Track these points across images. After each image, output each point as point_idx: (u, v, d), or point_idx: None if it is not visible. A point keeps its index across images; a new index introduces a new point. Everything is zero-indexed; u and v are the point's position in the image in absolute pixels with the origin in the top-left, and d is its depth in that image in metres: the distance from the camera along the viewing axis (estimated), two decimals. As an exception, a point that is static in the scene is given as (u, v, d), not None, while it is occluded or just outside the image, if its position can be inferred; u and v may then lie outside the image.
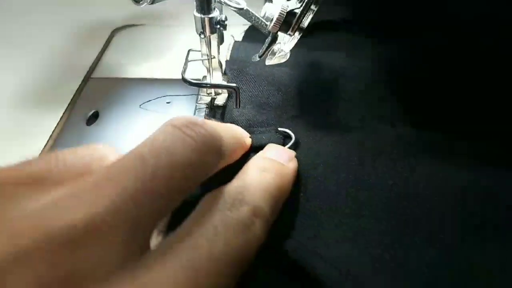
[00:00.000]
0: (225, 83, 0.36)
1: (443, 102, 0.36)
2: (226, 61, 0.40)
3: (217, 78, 0.37)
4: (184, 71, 0.33)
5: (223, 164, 0.23)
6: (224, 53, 0.41)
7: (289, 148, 0.31)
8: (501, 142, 0.31)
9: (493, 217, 0.26)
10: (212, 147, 0.21)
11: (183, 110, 0.39)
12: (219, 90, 0.37)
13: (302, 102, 0.36)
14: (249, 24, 0.46)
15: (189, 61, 0.34)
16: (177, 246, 0.18)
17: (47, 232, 0.15)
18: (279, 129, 0.33)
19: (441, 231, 0.25)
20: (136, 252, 0.17)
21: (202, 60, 0.35)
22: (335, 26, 0.45)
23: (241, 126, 0.31)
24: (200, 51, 0.35)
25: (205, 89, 0.37)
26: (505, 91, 0.36)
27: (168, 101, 0.40)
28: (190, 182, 0.20)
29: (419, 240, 0.25)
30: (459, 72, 0.38)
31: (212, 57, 0.35)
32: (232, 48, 0.43)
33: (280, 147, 0.29)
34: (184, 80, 0.32)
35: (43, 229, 0.15)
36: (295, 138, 0.32)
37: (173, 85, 0.42)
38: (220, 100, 0.36)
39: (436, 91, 0.36)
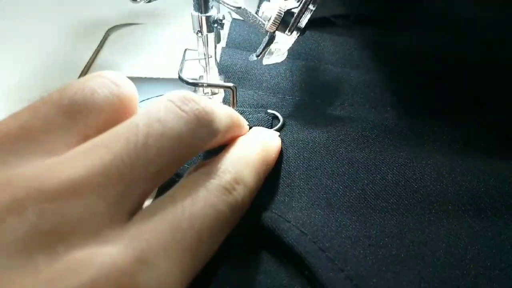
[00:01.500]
0: (222, 82, 0.36)
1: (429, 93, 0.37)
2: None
3: (214, 77, 0.36)
4: (180, 70, 0.33)
5: (216, 142, 0.24)
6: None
7: (276, 130, 0.32)
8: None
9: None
10: (204, 121, 0.21)
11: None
12: (216, 90, 0.37)
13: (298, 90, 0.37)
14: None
15: (185, 61, 0.34)
16: (163, 206, 0.20)
17: (39, 187, 0.17)
18: (268, 111, 0.34)
19: (409, 199, 0.27)
20: (125, 214, 0.18)
21: (199, 60, 0.35)
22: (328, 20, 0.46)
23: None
24: (197, 50, 0.35)
25: (201, 89, 0.37)
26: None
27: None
28: (180, 153, 0.20)
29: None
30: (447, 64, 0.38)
31: (209, 56, 0.35)
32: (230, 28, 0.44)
33: (265, 129, 0.30)
34: (181, 79, 0.32)
35: (36, 185, 0.17)
36: (283, 120, 0.34)
37: (169, 84, 0.42)
38: (217, 100, 0.36)
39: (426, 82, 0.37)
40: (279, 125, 0.33)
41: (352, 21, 0.45)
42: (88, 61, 0.45)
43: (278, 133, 0.30)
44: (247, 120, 0.31)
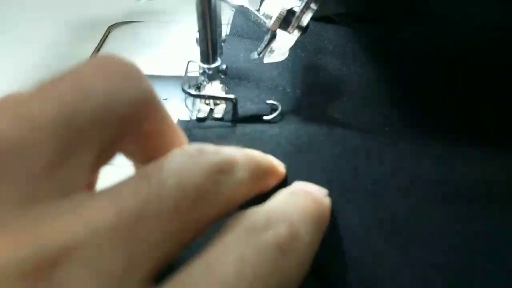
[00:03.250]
0: (223, 93, 0.36)
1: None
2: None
3: (216, 85, 0.37)
4: (184, 83, 0.33)
5: (246, 191, 0.21)
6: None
7: (275, 118, 0.33)
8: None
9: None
10: (225, 168, 0.19)
11: (181, 106, 0.39)
12: (218, 101, 0.37)
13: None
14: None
15: (188, 73, 0.35)
16: (197, 275, 0.15)
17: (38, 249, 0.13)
18: (267, 101, 0.35)
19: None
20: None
21: (201, 73, 0.36)
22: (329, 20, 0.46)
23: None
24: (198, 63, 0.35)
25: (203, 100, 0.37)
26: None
27: (165, 97, 0.40)
28: (203, 207, 0.17)
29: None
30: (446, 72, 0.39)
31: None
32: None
33: (309, 184, 0.25)
34: (184, 91, 0.33)
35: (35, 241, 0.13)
36: (281, 109, 0.34)
37: (170, 81, 0.42)
38: (218, 111, 0.36)
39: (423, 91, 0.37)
40: (276, 113, 0.34)
41: (354, 20, 0.45)
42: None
43: (326, 191, 0.25)
44: (246, 111, 0.32)
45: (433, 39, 0.41)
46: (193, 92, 0.33)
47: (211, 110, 0.36)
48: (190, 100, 0.38)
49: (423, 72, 0.39)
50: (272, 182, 0.24)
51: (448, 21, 0.41)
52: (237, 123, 0.33)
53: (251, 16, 0.32)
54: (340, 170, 0.29)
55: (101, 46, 0.48)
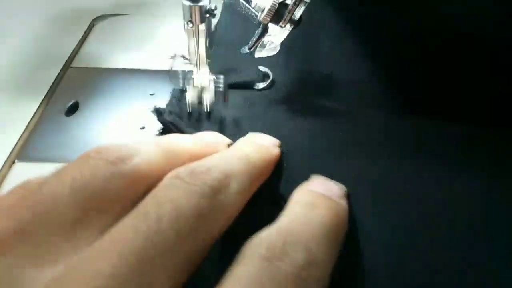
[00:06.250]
0: (213, 76, 0.35)
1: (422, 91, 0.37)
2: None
3: (204, 73, 0.35)
4: (171, 78, 0.34)
5: (243, 198, 0.20)
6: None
7: (266, 86, 0.34)
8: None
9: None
10: (220, 189, 0.19)
11: (167, 101, 0.37)
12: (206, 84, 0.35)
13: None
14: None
15: (173, 69, 0.34)
16: None
17: None
18: (259, 67, 0.36)
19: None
20: None
21: (190, 60, 0.34)
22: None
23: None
24: (183, 56, 0.34)
25: (191, 83, 0.36)
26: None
27: (151, 92, 0.39)
28: (206, 231, 0.17)
29: None
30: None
31: (199, 51, 0.33)
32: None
33: (327, 179, 0.24)
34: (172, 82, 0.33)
35: None
36: (272, 77, 0.35)
37: (156, 76, 0.40)
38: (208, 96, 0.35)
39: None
40: (268, 81, 0.34)
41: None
42: (72, 52, 0.44)
43: (345, 188, 0.24)
44: (235, 78, 0.34)
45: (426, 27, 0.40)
46: (181, 85, 0.33)
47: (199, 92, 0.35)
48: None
49: (422, 68, 0.38)
50: (270, 169, 0.25)
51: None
52: (229, 88, 0.34)
53: (242, 8, 0.31)
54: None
55: (85, 39, 0.46)
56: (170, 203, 0.17)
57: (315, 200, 0.21)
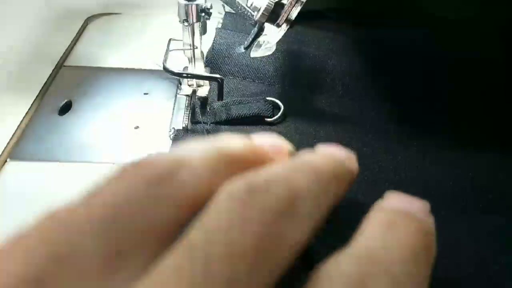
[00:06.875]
0: (208, 74, 0.35)
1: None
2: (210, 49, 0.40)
3: (199, 68, 0.35)
4: (165, 61, 0.31)
5: (317, 223, 0.17)
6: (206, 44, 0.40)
7: (278, 118, 0.32)
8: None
9: None
10: (287, 214, 0.15)
11: (162, 100, 0.37)
12: (201, 82, 0.35)
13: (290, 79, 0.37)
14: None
15: (170, 51, 0.33)
16: None
17: None
18: (268, 98, 0.33)
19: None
20: None
21: (184, 50, 0.34)
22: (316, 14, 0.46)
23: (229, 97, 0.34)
24: (181, 40, 0.34)
25: (186, 80, 0.36)
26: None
27: (145, 91, 0.38)
28: (264, 269, 0.14)
29: None
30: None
31: (194, 47, 0.33)
32: (215, 35, 0.42)
33: (405, 195, 0.20)
34: (165, 69, 0.31)
35: None
36: (284, 108, 0.33)
37: (149, 75, 0.40)
38: (202, 92, 0.35)
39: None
40: (279, 113, 0.33)
41: (343, 15, 0.45)
42: (65, 51, 0.43)
43: (428, 206, 0.20)
44: (248, 110, 0.31)
45: (419, 36, 0.41)
46: (175, 70, 0.32)
47: (194, 92, 0.35)
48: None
49: (410, 69, 0.39)
50: (345, 186, 0.19)
51: (435, 18, 0.41)
52: (235, 125, 0.32)
53: (238, 8, 0.31)
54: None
55: (78, 38, 0.46)
56: (223, 236, 0.14)
57: (397, 219, 0.18)
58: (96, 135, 0.34)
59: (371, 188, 0.28)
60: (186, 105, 0.35)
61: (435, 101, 0.36)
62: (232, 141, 0.18)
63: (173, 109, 0.36)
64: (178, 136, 0.32)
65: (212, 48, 0.39)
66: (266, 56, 0.35)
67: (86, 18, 0.49)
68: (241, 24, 0.43)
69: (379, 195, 0.27)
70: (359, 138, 0.32)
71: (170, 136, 0.32)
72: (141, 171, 0.15)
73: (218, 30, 0.41)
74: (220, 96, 0.32)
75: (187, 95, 0.35)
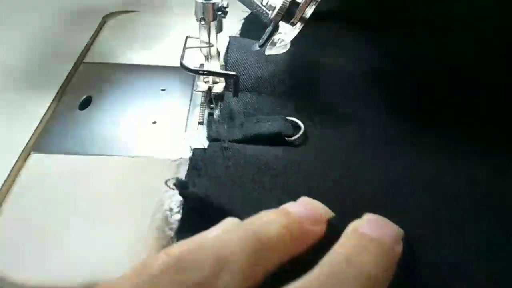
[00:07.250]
0: (223, 71, 0.36)
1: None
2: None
3: (215, 66, 0.36)
4: (182, 57, 0.32)
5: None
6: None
7: (298, 138, 0.32)
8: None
9: None
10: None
11: (179, 97, 0.38)
12: (217, 79, 0.36)
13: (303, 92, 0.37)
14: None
15: (187, 48, 0.34)
16: None
17: None
18: (288, 118, 0.33)
19: None
20: None
21: (201, 48, 0.35)
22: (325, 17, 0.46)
23: (239, 112, 0.33)
24: (198, 38, 0.35)
25: (202, 77, 0.37)
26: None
27: (163, 88, 0.39)
28: None
29: None
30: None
31: (211, 45, 0.34)
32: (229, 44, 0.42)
33: (382, 219, 0.21)
34: (182, 66, 0.32)
35: None
36: (304, 128, 0.32)
37: (167, 72, 0.41)
38: (218, 89, 0.36)
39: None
40: (300, 133, 0.32)
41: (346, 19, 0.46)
42: (84, 48, 0.45)
43: (402, 234, 0.21)
44: (265, 128, 0.31)
45: (419, 42, 0.41)
46: (192, 67, 0.32)
47: (210, 89, 0.36)
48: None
49: (410, 76, 0.39)
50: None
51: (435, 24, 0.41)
52: (255, 144, 0.31)
53: (253, 6, 0.32)
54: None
55: (97, 35, 0.47)
56: None
57: (366, 244, 0.19)
58: (115, 129, 0.35)
59: (371, 188, 0.29)
60: (202, 101, 0.36)
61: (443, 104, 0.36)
62: (268, 223, 0.19)
63: (189, 105, 0.37)
64: (195, 155, 0.30)
65: (226, 63, 0.38)
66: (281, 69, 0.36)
67: (104, 15, 0.50)
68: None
69: (379, 195, 0.28)
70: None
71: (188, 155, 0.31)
72: (175, 270, 0.16)
73: (231, 39, 0.41)
74: (236, 93, 0.33)
75: (203, 91, 0.36)
